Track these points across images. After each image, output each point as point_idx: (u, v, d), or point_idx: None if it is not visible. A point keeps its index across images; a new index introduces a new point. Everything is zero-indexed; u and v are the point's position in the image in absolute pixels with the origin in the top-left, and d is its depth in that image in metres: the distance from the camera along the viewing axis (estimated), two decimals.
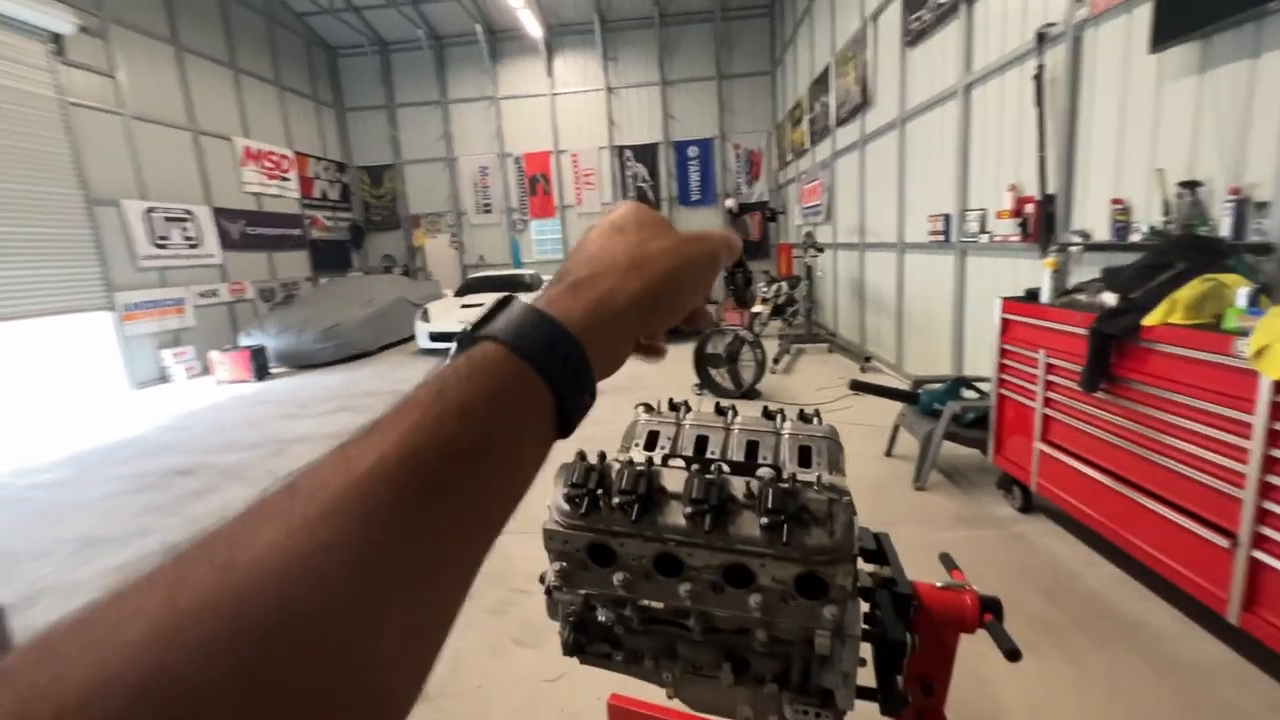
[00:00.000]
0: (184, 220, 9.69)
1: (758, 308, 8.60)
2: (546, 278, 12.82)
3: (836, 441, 1.21)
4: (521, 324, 0.32)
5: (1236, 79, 2.50)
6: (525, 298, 0.38)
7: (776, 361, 7.01)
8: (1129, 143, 3.15)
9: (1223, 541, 1.95)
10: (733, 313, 10.37)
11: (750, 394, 5.85)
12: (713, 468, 1.11)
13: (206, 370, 8.98)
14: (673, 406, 1.39)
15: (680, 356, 7.89)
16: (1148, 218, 2.98)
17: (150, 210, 9.04)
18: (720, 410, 1.35)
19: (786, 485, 0.92)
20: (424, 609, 0.25)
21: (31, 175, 7.41)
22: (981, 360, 4.62)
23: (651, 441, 1.26)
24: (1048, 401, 2.84)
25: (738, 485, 0.96)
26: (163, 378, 9.03)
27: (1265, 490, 1.81)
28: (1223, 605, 1.96)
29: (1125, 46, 3.12)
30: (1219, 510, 1.98)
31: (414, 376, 0.35)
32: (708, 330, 6.24)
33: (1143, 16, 2.89)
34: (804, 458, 1.18)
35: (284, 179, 12.42)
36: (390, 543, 0.23)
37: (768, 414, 1.32)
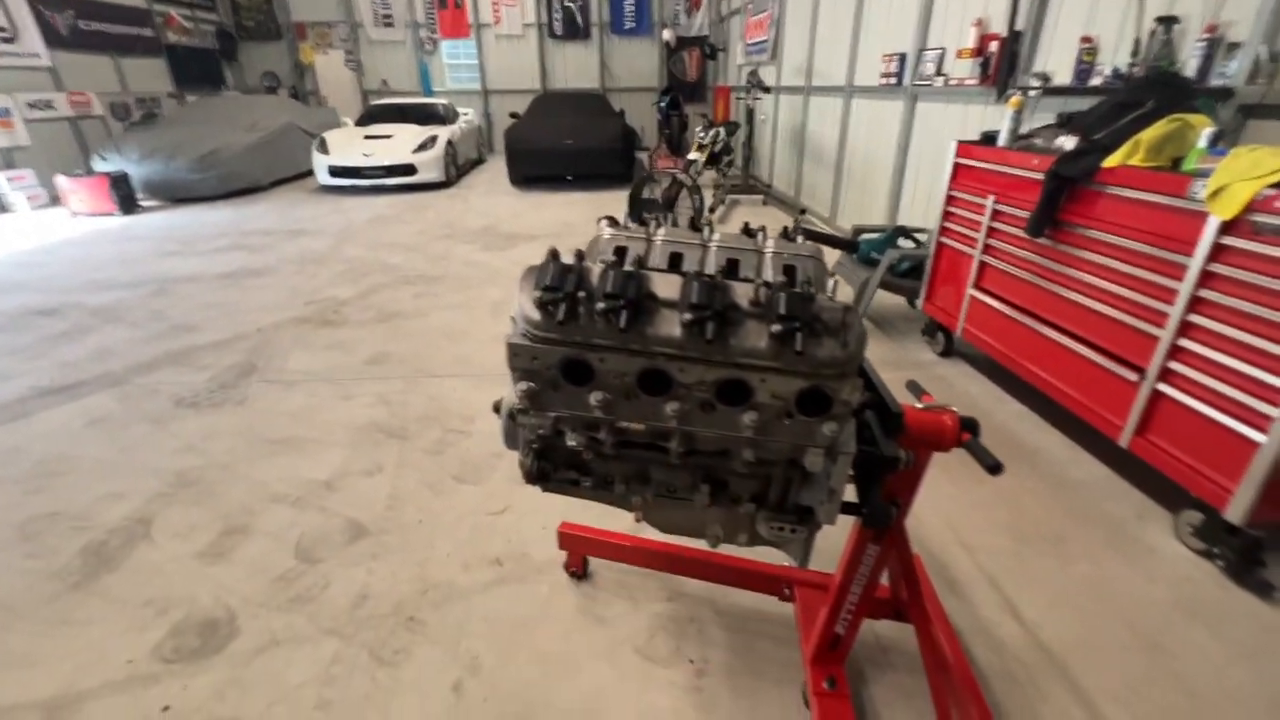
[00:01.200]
0: None
1: (693, 155, 8.16)
2: (463, 111, 11.48)
3: (821, 261, 1.09)
4: None
5: None
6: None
7: (712, 211, 6.80)
8: None
9: (1131, 375, 2.10)
10: (667, 159, 9.83)
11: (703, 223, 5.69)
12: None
13: (58, 201, 7.65)
14: (641, 222, 1.20)
15: (608, 205, 7.49)
16: (1114, 59, 2.87)
17: None
18: (695, 227, 1.19)
19: (801, 291, 0.80)
20: None
21: None
22: (918, 213, 4.63)
23: (620, 258, 1.09)
24: (987, 249, 2.87)
25: (741, 291, 0.83)
26: (1, 207, 7.63)
27: (1185, 329, 1.92)
28: (1117, 431, 2.17)
29: None
30: (1133, 348, 2.11)
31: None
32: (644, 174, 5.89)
33: None
34: (788, 277, 1.05)
35: None
36: None
37: (748, 231, 1.17)
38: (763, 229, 1.16)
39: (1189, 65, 2.44)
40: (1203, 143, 1.94)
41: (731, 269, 1.04)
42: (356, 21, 12.88)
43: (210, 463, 2.47)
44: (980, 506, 2.18)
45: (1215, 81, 2.38)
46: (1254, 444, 1.70)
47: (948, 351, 3.36)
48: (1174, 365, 1.96)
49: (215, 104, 9.88)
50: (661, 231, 1.14)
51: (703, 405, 0.88)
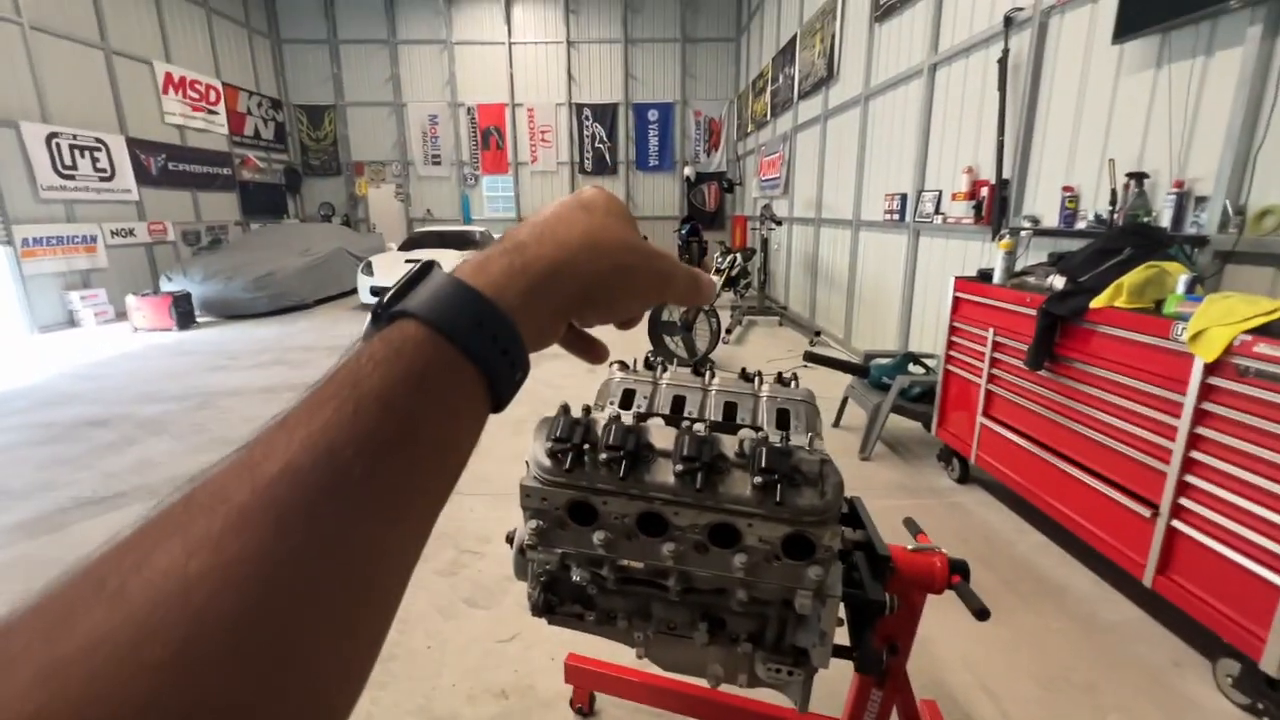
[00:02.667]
0: (95, 149, 8.81)
1: (711, 278, 8.61)
2: (498, 236, 12.38)
3: (814, 405, 1.20)
4: (443, 299, 0.29)
5: (1191, 75, 2.60)
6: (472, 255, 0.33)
7: (729, 332, 7.07)
8: (1084, 131, 3.26)
9: (1145, 511, 2.09)
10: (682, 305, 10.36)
11: (704, 363, 5.87)
12: (695, 427, 1.08)
13: (122, 316, 8.30)
14: (649, 365, 1.34)
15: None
16: (1095, 206, 3.11)
17: (54, 136, 8.15)
18: (697, 370, 1.32)
19: (779, 445, 0.89)
20: (356, 615, 0.23)
21: None
22: (929, 338, 4.79)
23: (628, 400, 1.21)
24: (992, 378, 2.96)
25: (728, 444, 0.93)
26: (70, 322, 8.30)
27: (1188, 465, 1.94)
28: (1140, 570, 2.12)
29: (1088, 36, 3.20)
30: (1144, 483, 2.12)
31: (354, 332, 0.30)
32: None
33: (1107, 7, 2.96)
34: (782, 420, 1.16)
35: (211, 112, 11.44)
36: (308, 555, 0.21)
37: (745, 376, 1.30)
38: (759, 373, 1.29)
39: (1164, 214, 2.65)
40: (1180, 288, 2.07)
41: (729, 413, 1.16)
42: (409, 160, 14.37)
43: None
44: (1004, 648, 2.10)
45: (1190, 229, 2.56)
46: (1278, 589, 1.67)
47: (964, 478, 3.34)
48: (1185, 502, 1.96)
49: (275, 231, 10.88)
50: (666, 375, 1.27)
51: (697, 546, 0.95)
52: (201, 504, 0.21)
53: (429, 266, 0.31)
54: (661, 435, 0.95)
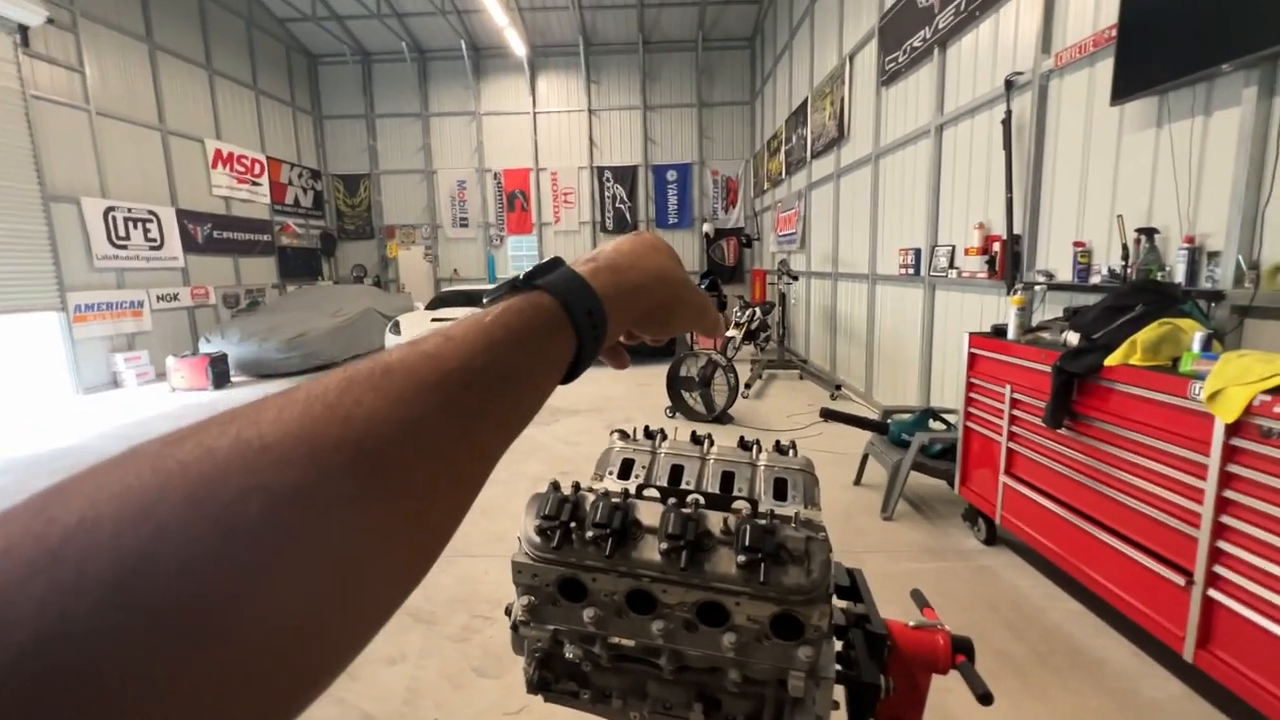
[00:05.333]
0: (147, 221, 9.40)
1: (731, 332, 8.67)
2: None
3: (812, 474, 1.20)
4: (572, 287, 0.40)
5: (1191, 134, 2.63)
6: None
7: (748, 386, 7.05)
8: (1091, 188, 3.28)
9: (1179, 580, 1.99)
10: (706, 337, 10.45)
11: (722, 418, 5.86)
12: (689, 500, 1.09)
13: (162, 376, 8.64)
14: (649, 434, 1.36)
15: (653, 378, 7.88)
16: (1108, 261, 3.10)
17: (110, 210, 8.74)
18: (696, 439, 1.33)
19: (764, 522, 0.90)
20: (475, 476, 0.31)
21: None
22: (949, 392, 4.72)
23: (626, 470, 1.23)
24: (1012, 436, 2.89)
25: (714, 520, 0.94)
26: (114, 383, 8.65)
27: (1219, 530, 1.86)
28: (1179, 643, 2.00)
29: (1088, 97, 3.27)
30: (1176, 548, 2.03)
31: None
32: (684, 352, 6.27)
33: (1104, 71, 3.04)
34: (779, 490, 1.16)
35: (255, 184, 12.17)
36: (466, 423, 0.30)
37: (744, 444, 1.31)
38: (756, 442, 1.30)
39: (1177, 270, 2.62)
40: (1196, 346, 2.04)
41: (726, 483, 1.17)
42: (437, 223, 14.98)
43: None
44: None
45: (1205, 284, 2.53)
46: None
47: (991, 539, 3.22)
48: (1220, 570, 1.87)
49: (309, 293, 11.33)
50: (666, 445, 1.29)
51: (686, 625, 0.95)
52: (398, 373, 0.28)
53: (558, 261, 0.42)
54: (649, 511, 0.97)
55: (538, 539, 0.95)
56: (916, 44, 5.18)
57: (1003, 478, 2.94)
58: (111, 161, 8.84)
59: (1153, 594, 2.11)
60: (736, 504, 0.99)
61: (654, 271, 0.48)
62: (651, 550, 0.93)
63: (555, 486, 0.99)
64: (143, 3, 9.52)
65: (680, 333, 0.53)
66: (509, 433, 0.34)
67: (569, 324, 0.38)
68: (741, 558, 0.87)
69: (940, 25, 4.75)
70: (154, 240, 9.55)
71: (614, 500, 0.95)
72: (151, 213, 9.49)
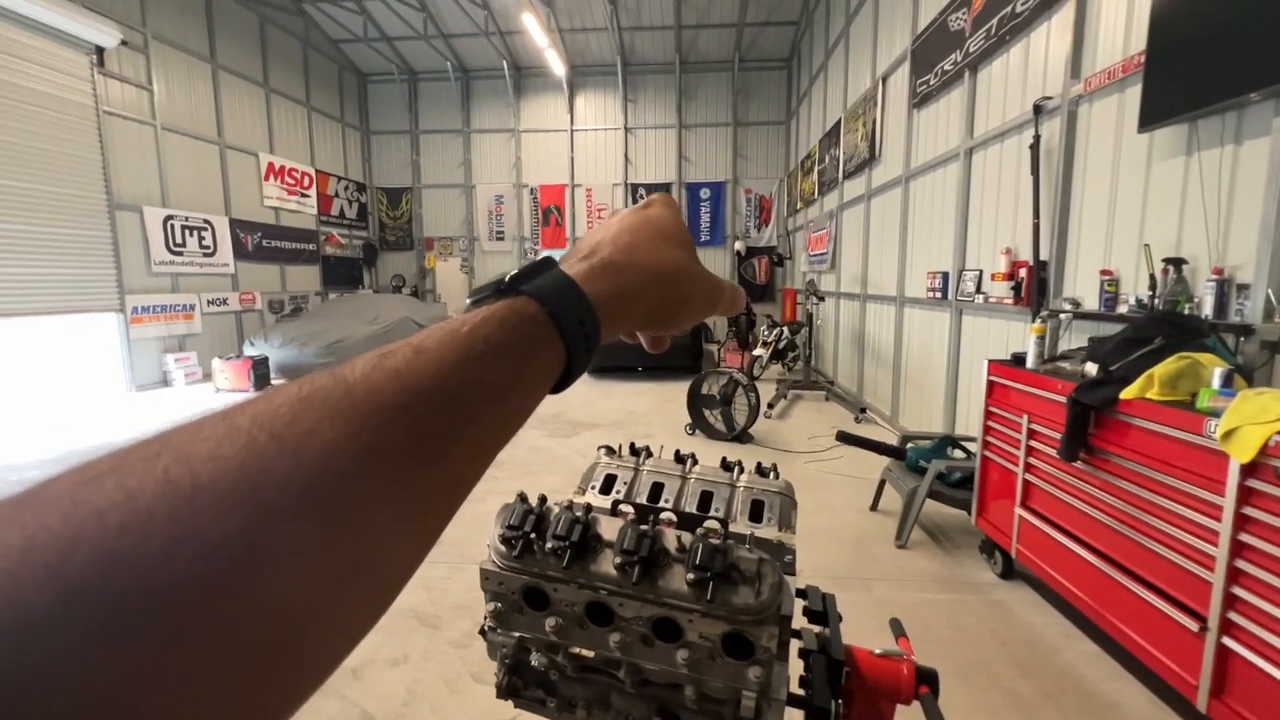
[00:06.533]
0: (202, 229, 9.92)
1: (759, 351, 8.64)
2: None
3: (790, 498, 1.21)
4: (564, 294, 0.36)
5: (1221, 163, 2.56)
6: None
7: (772, 406, 7.00)
8: (1119, 216, 3.20)
9: (1193, 625, 1.91)
10: (734, 354, 10.41)
11: (742, 437, 5.83)
12: (661, 517, 1.13)
13: (209, 377, 9.05)
14: (634, 451, 1.40)
15: (676, 393, 7.89)
16: (1135, 290, 3.01)
17: (169, 218, 9.26)
18: (680, 458, 1.36)
19: (717, 542, 0.93)
20: (446, 507, 0.28)
21: (61, 178, 7.66)
22: (974, 419, 4.60)
23: (608, 485, 1.27)
24: (1029, 467, 2.82)
25: (670, 538, 0.97)
26: (164, 382, 9.10)
27: (1234, 575, 1.78)
28: (1192, 691, 1.91)
29: (1117, 124, 3.21)
30: (1190, 592, 1.95)
31: None
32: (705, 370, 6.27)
33: (1134, 97, 2.98)
34: (755, 512, 1.19)
35: (303, 195, 12.72)
36: (436, 450, 0.27)
37: (726, 465, 1.33)
38: (739, 463, 1.32)
39: (1205, 302, 2.54)
40: (1216, 382, 1.97)
41: (704, 502, 1.20)
42: (474, 236, 15.37)
43: None
44: None
45: (1234, 318, 2.44)
46: None
47: (1008, 573, 3.12)
48: (1235, 617, 1.79)
49: (349, 301, 11.74)
50: (649, 463, 1.33)
51: (643, 639, 0.98)
52: (359, 394, 0.25)
53: (550, 261, 0.39)
54: (610, 527, 1.00)
55: (503, 547, 0.99)
56: (947, 67, 5.15)
57: (1018, 509, 2.87)
58: (172, 173, 9.38)
59: (1166, 638, 2.03)
60: (707, 523, 1.02)
61: (656, 272, 0.42)
62: (609, 564, 0.96)
63: (522, 498, 1.03)
64: (209, 26, 10.14)
65: (692, 324, 0.49)
66: (486, 457, 0.30)
67: (558, 336, 0.34)
68: (691, 575, 0.90)
69: (971, 49, 4.72)
70: (208, 247, 10.06)
71: (576, 514, 0.99)
72: (207, 221, 10.01)
